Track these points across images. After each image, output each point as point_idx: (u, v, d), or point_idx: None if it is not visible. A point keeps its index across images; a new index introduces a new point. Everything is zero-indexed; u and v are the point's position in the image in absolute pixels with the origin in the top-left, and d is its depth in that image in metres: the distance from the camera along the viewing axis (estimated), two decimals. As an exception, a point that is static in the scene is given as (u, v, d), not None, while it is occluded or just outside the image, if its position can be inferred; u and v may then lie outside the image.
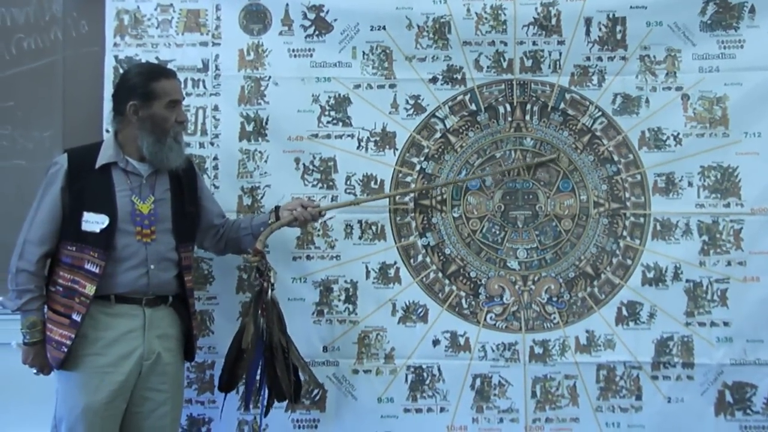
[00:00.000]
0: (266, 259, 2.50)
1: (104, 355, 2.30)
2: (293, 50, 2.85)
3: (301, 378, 2.57)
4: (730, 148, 2.76)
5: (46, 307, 2.36)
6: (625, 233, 2.78)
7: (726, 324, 2.73)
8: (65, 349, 2.26)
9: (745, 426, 2.70)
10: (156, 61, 2.83)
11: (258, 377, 2.49)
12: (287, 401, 2.56)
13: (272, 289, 2.49)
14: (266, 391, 2.50)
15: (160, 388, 2.38)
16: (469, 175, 2.81)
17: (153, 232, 2.37)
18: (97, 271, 2.28)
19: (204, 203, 2.59)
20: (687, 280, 2.74)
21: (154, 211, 2.39)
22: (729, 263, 2.73)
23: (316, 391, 2.77)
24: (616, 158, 2.80)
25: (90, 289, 2.28)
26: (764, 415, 2.70)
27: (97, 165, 2.34)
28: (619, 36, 2.80)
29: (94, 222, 2.28)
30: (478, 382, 2.77)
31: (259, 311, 2.45)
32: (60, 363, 2.28)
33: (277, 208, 2.62)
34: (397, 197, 2.81)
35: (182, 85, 2.64)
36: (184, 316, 2.46)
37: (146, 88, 2.36)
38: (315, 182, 2.82)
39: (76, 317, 2.28)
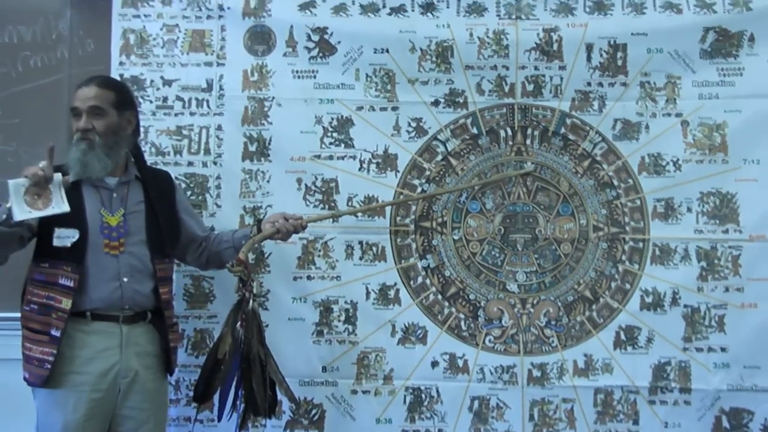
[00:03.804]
0: (249, 270, 2.47)
1: (81, 374, 2.30)
2: (297, 71, 2.88)
3: (278, 393, 2.50)
4: (729, 174, 2.79)
5: (23, 327, 2.36)
6: (624, 258, 2.80)
7: (723, 350, 2.74)
8: (48, 366, 2.26)
9: (742, 452, 2.72)
10: (161, 81, 2.87)
11: (234, 389, 2.44)
12: (268, 416, 2.51)
13: (254, 300, 2.47)
14: (242, 404, 2.45)
15: (141, 406, 2.38)
16: (468, 197, 2.83)
17: (122, 244, 2.38)
18: (71, 285, 2.29)
19: (183, 216, 2.60)
20: (685, 306, 2.76)
21: (123, 223, 2.40)
22: (727, 289, 2.75)
23: (314, 411, 2.78)
24: (615, 183, 2.82)
25: (66, 303, 2.28)
26: (760, 441, 2.72)
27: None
28: (619, 62, 2.83)
29: (65, 237, 2.28)
30: (476, 404, 2.78)
31: (239, 322, 2.41)
32: (44, 381, 2.27)
33: (259, 221, 2.63)
34: (397, 219, 2.83)
35: (185, 104, 2.74)
36: (163, 331, 2.45)
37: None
38: (317, 203, 2.84)
39: (55, 333, 2.28)
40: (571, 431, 2.76)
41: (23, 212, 2.13)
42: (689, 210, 2.79)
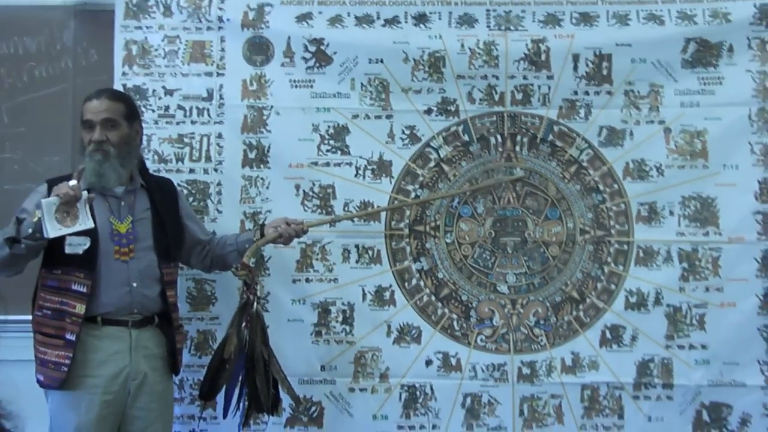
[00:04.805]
0: (253, 273, 2.57)
1: (94, 377, 2.39)
2: (294, 81, 2.97)
3: (280, 391, 2.59)
4: (709, 179, 2.90)
5: (35, 332, 2.45)
6: (609, 259, 2.91)
7: (704, 347, 2.85)
8: (65, 369, 2.35)
9: (722, 444, 2.84)
10: (163, 90, 2.96)
11: (238, 388, 2.54)
12: (271, 413, 2.60)
13: (258, 302, 2.56)
14: (245, 402, 2.54)
15: (150, 407, 2.48)
16: (460, 202, 2.94)
17: (132, 250, 2.47)
18: (84, 290, 2.38)
19: (186, 222, 2.69)
20: (667, 305, 2.87)
21: (132, 230, 2.49)
22: (707, 289, 2.87)
23: (313, 409, 2.89)
24: (601, 188, 2.93)
25: (80, 309, 2.37)
26: (739, 433, 2.84)
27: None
28: (605, 72, 2.94)
29: (77, 245, 2.34)
30: (468, 400, 2.88)
31: (243, 323, 2.51)
32: (61, 383, 2.36)
33: (262, 225, 2.73)
34: (391, 223, 2.93)
35: (186, 113, 2.89)
36: (169, 333, 2.55)
37: (81, 112, 2.51)
38: (314, 208, 2.93)
39: (70, 337, 2.37)
40: (560, 426, 2.87)
41: (55, 230, 2.24)
42: (671, 213, 2.90)
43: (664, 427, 2.84)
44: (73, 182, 2.28)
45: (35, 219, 2.25)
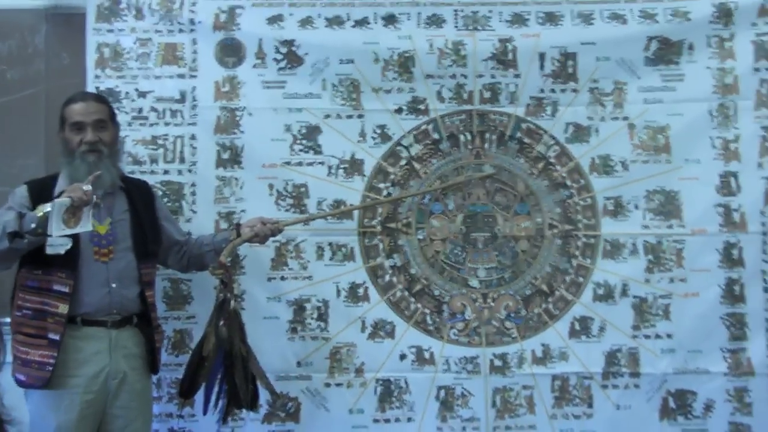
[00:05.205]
0: (229, 272, 2.61)
1: (74, 376, 2.42)
2: (266, 82, 3.01)
3: (258, 387, 2.64)
4: (672, 173, 2.98)
5: (15, 332, 2.46)
6: (577, 253, 2.98)
7: (669, 336, 2.93)
8: (50, 369, 2.37)
9: (686, 429, 2.92)
10: (136, 93, 2.98)
11: (217, 385, 2.58)
12: (250, 410, 2.65)
13: (235, 300, 2.62)
14: (225, 399, 2.59)
15: (130, 405, 2.51)
16: (431, 199, 2.99)
17: (111, 251, 2.51)
18: (67, 290, 2.41)
19: (163, 223, 2.72)
20: (634, 296, 2.95)
21: (111, 231, 2.52)
22: (671, 280, 2.95)
23: (290, 404, 2.93)
24: (568, 183, 3.01)
25: (63, 309, 2.40)
26: (703, 419, 2.92)
27: (56, 193, 2.45)
28: (570, 70, 3.01)
29: (58, 245, 2.35)
30: (442, 393, 2.94)
31: (221, 321, 2.55)
32: (45, 383, 2.38)
33: (238, 225, 2.77)
34: (364, 221, 2.98)
35: (160, 115, 2.93)
36: (148, 333, 2.58)
37: (61, 115, 2.54)
38: (288, 207, 2.97)
39: (54, 336, 2.39)
40: (531, 416, 2.94)
41: (59, 229, 2.26)
42: (636, 207, 2.98)
43: (632, 414, 2.92)
44: (87, 187, 2.32)
45: (39, 214, 2.27)
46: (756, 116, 2.98)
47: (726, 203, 2.97)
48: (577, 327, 2.96)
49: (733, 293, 2.94)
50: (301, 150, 3.00)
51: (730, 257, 2.95)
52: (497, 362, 2.95)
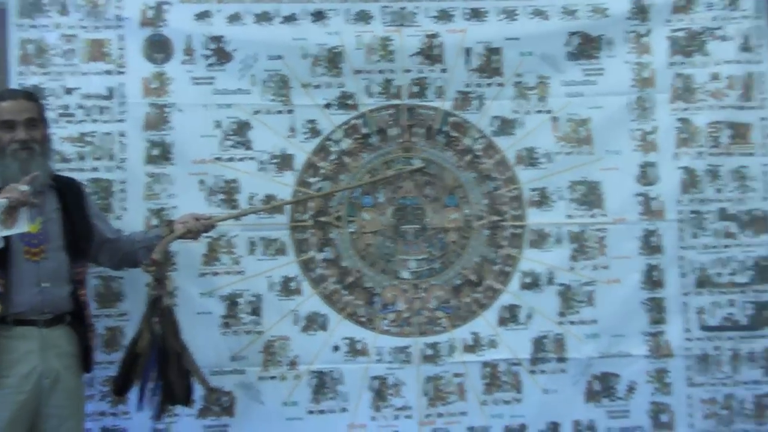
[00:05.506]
0: (162, 269, 2.62)
1: (7, 377, 2.40)
2: (195, 78, 3.01)
3: (192, 383, 2.66)
4: (594, 164, 3.08)
5: None
6: (504, 243, 3.06)
7: (593, 322, 3.04)
8: None
9: (610, 411, 3.04)
10: (62, 90, 2.95)
11: (152, 381, 2.59)
12: (184, 405, 2.68)
13: (168, 297, 2.62)
14: (159, 395, 2.60)
15: (64, 404, 2.49)
16: (362, 193, 3.04)
17: (42, 250, 2.48)
18: (0, 290, 2.39)
19: (94, 221, 2.70)
20: (559, 284, 3.05)
21: (42, 230, 2.49)
22: (595, 268, 3.05)
23: (225, 399, 2.95)
24: (495, 175, 3.08)
25: (2, 310, 2.39)
26: (626, 400, 3.04)
27: None
28: (495, 65, 3.08)
29: None
30: (375, 383, 3.00)
31: (155, 318, 2.56)
32: None
33: (170, 221, 2.78)
34: (295, 215, 3.01)
35: (87, 112, 2.90)
36: (81, 331, 2.57)
37: None
38: (219, 203, 2.98)
39: None
40: (462, 403, 3.01)
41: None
42: (561, 198, 3.07)
43: (559, 398, 3.02)
44: (24, 187, 2.29)
45: None
46: (672, 109, 3.10)
47: (645, 192, 3.08)
48: (506, 315, 3.04)
49: (652, 279, 3.06)
50: (231, 146, 3.01)
51: (650, 244, 3.07)
52: (429, 351, 3.02)
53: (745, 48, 3.11)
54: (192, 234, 2.72)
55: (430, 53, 3.07)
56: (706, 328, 3.07)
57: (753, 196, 3.10)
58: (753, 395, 3.06)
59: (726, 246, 3.08)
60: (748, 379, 3.06)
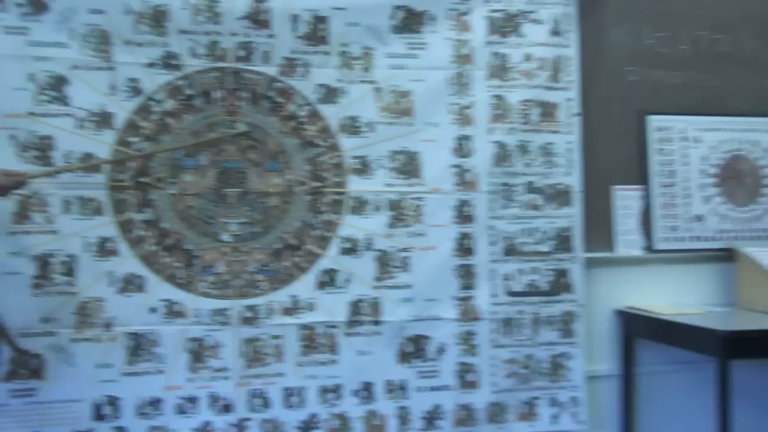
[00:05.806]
0: None
1: None
2: (7, 27, 2.87)
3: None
4: (414, 135, 3.20)
5: None
6: (325, 209, 3.14)
7: (408, 287, 3.18)
8: None
9: (421, 371, 3.20)
10: None
11: None
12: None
13: None
14: None
15: None
16: (184, 154, 3.02)
17: None
18: None
19: None
20: (377, 250, 3.17)
21: None
22: (411, 235, 3.19)
23: (35, 361, 2.88)
24: (318, 142, 3.14)
25: None
26: (436, 361, 3.21)
27: None
28: (322, 33, 3.13)
29: None
30: (194, 345, 3.02)
31: None
32: None
33: None
34: (115, 175, 2.96)
35: None
36: None
37: None
38: (32, 159, 2.88)
39: None
40: (280, 364, 3.08)
41: None
42: (381, 166, 3.18)
43: (373, 359, 3.15)
44: None
45: None
46: (488, 85, 3.27)
47: (460, 164, 3.24)
48: (325, 279, 3.12)
49: (464, 247, 3.23)
50: (46, 101, 2.91)
51: (463, 214, 3.23)
52: (247, 314, 3.06)
53: (555, 32, 3.32)
54: (1, 190, 2.62)
55: (258, 18, 3.08)
56: (511, 293, 3.28)
57: (557, 171, 3.33)
58: (549, 355, 3.31)
59: (532, 217, 3.29)
60: (545, 340, 3.31)
